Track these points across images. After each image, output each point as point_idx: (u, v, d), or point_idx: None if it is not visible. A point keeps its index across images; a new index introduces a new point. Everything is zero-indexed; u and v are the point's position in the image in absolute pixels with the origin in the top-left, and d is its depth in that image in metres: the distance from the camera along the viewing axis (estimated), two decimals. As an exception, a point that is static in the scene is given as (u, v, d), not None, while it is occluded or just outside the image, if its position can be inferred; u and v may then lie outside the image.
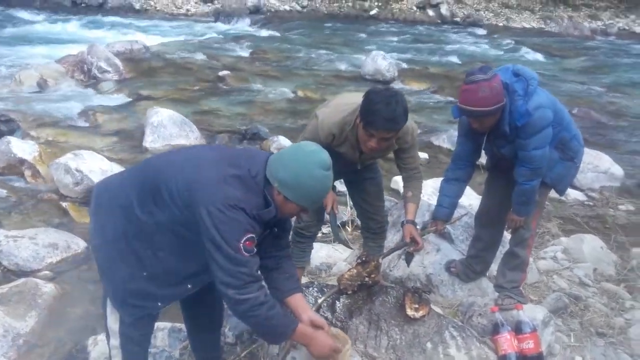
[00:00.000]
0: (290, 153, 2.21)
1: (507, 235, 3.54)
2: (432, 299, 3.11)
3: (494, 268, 3.53)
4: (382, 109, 2.62)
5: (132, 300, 2.33)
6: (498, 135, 2.86)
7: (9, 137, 5.51)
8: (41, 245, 4.02)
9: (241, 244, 2.07)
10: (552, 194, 5.19)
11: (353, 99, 2.89)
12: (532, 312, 3.04)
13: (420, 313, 2.84)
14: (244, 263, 2.10)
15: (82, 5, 15.52)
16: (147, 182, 2.23)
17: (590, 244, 4.16)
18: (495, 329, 2.89)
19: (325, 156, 2.19)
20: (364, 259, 2.99)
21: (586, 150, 4.96)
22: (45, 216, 4.63)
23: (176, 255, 2.24)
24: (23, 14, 13.64)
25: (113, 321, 2.40)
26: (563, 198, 5.37)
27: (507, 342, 2.82)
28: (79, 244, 4.17)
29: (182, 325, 3.17)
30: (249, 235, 2.09)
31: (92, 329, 3.30)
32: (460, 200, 3.29)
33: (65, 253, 4.06)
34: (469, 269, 3.45)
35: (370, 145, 2.75)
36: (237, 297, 2.10)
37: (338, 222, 4.61)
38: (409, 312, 2.83)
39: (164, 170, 2.26)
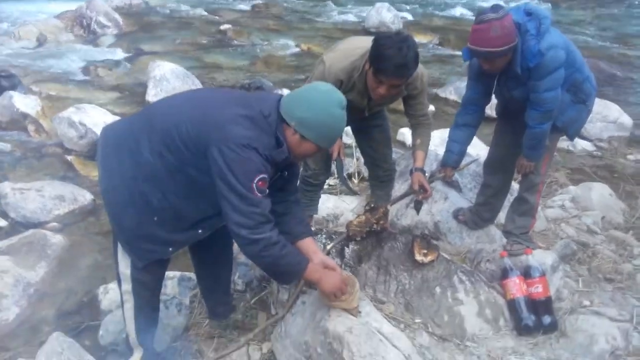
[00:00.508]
0: (306, 93, 2.17)
1: (515, 185, 3.53)
2: (440, 246, 3.10)
3: (502, 217, 3.51)
4: (394, 54, 2.54)
5: (143, 245, 2.33)
6: (509, 77, 2.80)
7: (11, 92, 5.44)
8: (48, 197, 4.01)
9: (254, 184, 2.06)
10: (561, 142, 5.23)
11: (361, 43, 2.81)
12: (540, 258, 3.05)
13: (429, 258, 2.85)
14: (257, 203, 2.08)
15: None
16: (156, 125, 2.19)
17: (598, 192, 4.13)
18: (504, 273, 2.89)
19: (341, 95, 2.18)
20: (372, 205, 2.98)
21: (595, 100, 4.91)
22: (51, 169, 4.61)
23: (187, 199, 2.23)
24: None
25: (125, 266, 2.41)
26: (571, 148, 5.35)
27: (515, 286, 2.83)
28: (86, 196, 4.16)
29: (192, 274, 3.20)
30: (262, 176, 2.08)
31: (102, 278, 3.34)
32: (468, 150, 3.25)
33: (72, 205, 4.06)
34: (477, 216, 3.44)
35: (379, 92, 2.70)
36: (251, 237, 2.10)
37: (344, 172, 4.62)
38: (418, 258, 2.83)
39: (173, 112, 2.22)
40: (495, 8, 2.64)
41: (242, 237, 2.11)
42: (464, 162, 3.29)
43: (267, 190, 2.13)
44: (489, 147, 3.41)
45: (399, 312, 2.76)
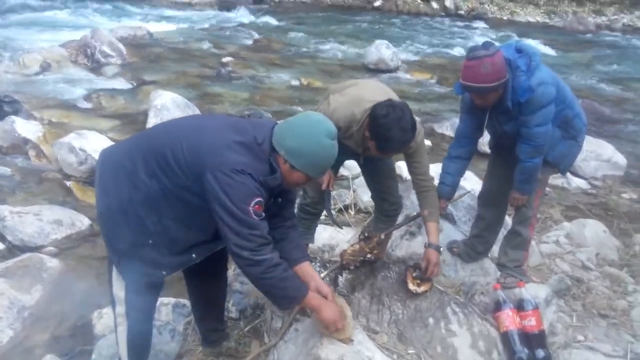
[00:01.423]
0: (297, 122, 2.22)
1: (509, 219, 3.57)
2: (433, 277, 3.12)
3: (495, 250, 3.54)
4: (397, 135, 2.61)
5: (137, 268, 2.34)
6: (500, 112, 2.87)
7: (13, 117, 5.52)
8: (46, 221, 4.04)
9: (250, 208, 2.09)
10: (556, 180, 5.29)
11: (370, 96, 2.82)
12: (534, 291, 3.06)
13: (422, 288, 2.86)
14: (256, 225, 2.12)
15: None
16: (152, 148, 2.24)
17: (592, 229, 4.17)
18: (497, 306, 2.90)
19: (331, 126, 2.22)
20: (366, 234, 3.01)
21: (589, 138, 4.99)
22: (50, 194, 4.64)
23: (181, 223, 2.26)
24: (29, 0, 13.58)
25: (119, 288, 2.42)
26: (566, 185, 5.40)
27: (509, 318, 2.83)
28: (83, 221, 4.19)
29: (186, 301, 3.20)
30: (257, 199, 2.12)
31: (96, 303, 3.31)
32: (462, 183, 3.30)
33: (70, 230, 4.08)
34: (471, 249, 3.46)
35: (376, 153, 2.79)
36: (253, 258, 2.12)
37: (340, 205, 4.66)
38: (411, 287, 2.85)
39: (169, 136, 2.27)
40: (486, 45, 2.74)
41: (244, 258, 2.13)
42: (457, 195, 3.34)
43: (264, 214, 2.16)
44: (482, 181, 3.46)
45: (392, 342, 2.75)
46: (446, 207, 3.25)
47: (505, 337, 2.81)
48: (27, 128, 5.43)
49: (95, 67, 8.37)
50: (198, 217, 2.23)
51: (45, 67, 7.96)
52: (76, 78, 7.75)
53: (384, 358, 2.46)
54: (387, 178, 3.33)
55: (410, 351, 2.72)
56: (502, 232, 3.47)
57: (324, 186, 3.07)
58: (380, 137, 2.65)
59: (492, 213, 3.37)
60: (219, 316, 2.95)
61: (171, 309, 3.21)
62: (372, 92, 2.87)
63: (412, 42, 12.39)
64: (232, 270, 3.40)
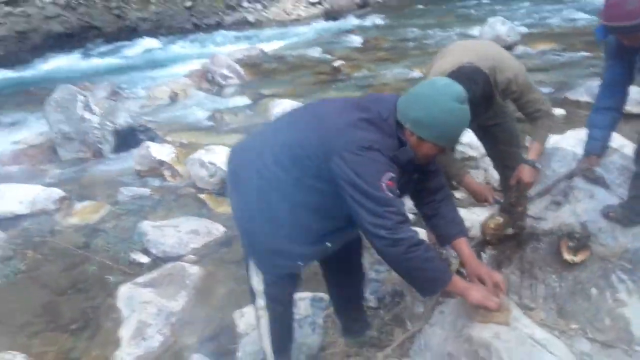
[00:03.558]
0: (421, 90, 2.07)
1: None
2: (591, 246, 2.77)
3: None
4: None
5: (273, 259, 2.31)
6: None
7: (148, 142, 5.87)
8: (184, 232, 4.21)
9: (383, 184, 1.95)
10: None
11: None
12: None
13: (580, 257, 2.56)
14: (391, 202, 1.97)
15: (203, 26, 16.41)
16: (279, 138, 2.20)
17: None
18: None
19: (459, 88, 2.03)
20: (511, 201, 2.74)
21: None
22: (186, 209, 4.84)
23: (314, 212, 2.18)
24: (151, 42, 14.65)
25: (257, 282, 2.41)
26: None
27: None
28: (219, 229, 4.32)
29: (323, 294, 3.15)
30: (390, 174, 1.97)
31: (237, 304, 3.37)
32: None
33: (207, 238, 4.22)
34: (632, 211, 3.03)
35: None
36: (393, 237, 1.96)
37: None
38: (567, 257, 2.56)
39: (294, 124, 2.23)
40: None
41: (382, 237, 1.97)
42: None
43: (398, 191, 2.02)
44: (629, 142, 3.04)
45: (551, 318, 2.48)
46: (598, 164, 2.86)
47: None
48: (161, 151, 5.75)
49: (217, 90, 8.76)
50: (331, 205, 2.14)
51: (173, 97, 8.47)
52: (201, 102, 8.14)
53: (545, 334, 2.19)
54: (509, 145, 3.05)
55: (573, 326, 2.42)
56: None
57: (490, 200, 2.83)
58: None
59: (652, 169, 2.93)
60: (358, 306, 2.86)
61: (309, 303, 3.18)
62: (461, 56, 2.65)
63: (528, 16, 11.64)
64: (367, 259, 3.30)
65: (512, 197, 2.71)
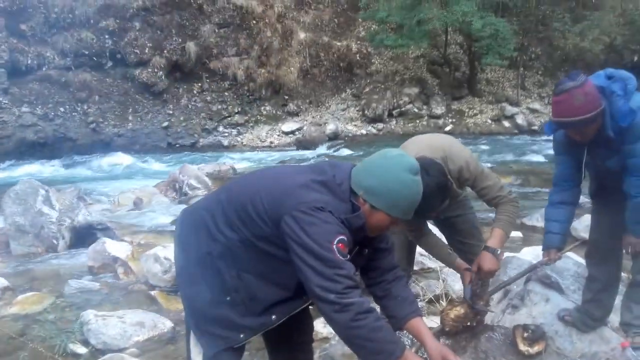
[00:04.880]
0: (374, 159, 2.12)
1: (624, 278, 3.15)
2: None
3: (615, 320, 3.08)
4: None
5: (214, 330, 2.18)
6: (601, 145, 2.61)
7: (104, 238, 5.74)
8: (128, 323, 3.98)
9: (334, 246, 1.91)
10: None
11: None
12: (673, 349, 2.57)
13: (536, 349, 2.50)
14: (341, 264, 1.92)
15: (177, 145, 16.83)
16: (232, 201, 2.17)
17: None
18: (630, 367, 2.44)
19: (412, 160, 2.08)
20: (472, 292, 2.69)
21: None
22: (135, 304, 4.62)
23: (261, 277, 2.11)
24: (124, 158, 14.87)
25: (196, 354, 2.25)
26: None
27: (647, 379, 2.36)
28: (166, 324, 4.09)
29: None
30: (341, 237, 1.94)
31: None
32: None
33: (153, 332, 3.99)
34: (587, 315, 3.02)
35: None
36: (341, 302, 1.88)
37: (430, 295, 4.32)
38: (522, 348, 2.49)
39: (248, 187, 2.22)
40: (573, 76, 2.52)
41: (330, 302, 1.90)
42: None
43: (348, 256, 1.98)
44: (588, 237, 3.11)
45: (507, 412, 2.34)
46: (558, 258, 2.87)
47: (648, 403, 2.32)
48: (116, 248, 5.60)
49: (183, 199, 8.76)
50: (278, 271, 2.08)
51: (137, 203, 8.43)
52: (165, 209, 8.12)
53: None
54: (468, 237, 3.10)
55: (530, 420, 2.29)
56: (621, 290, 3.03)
57: (466, 280, 2.78)
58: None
59: (605, 270, 2.95)
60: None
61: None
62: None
63: (489, 156, 12.34)
64: (317, 353, 3.14)
65: (475, 286, 2.68)
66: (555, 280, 3.40)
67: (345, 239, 1.97)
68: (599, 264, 2.97)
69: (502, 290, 3.39)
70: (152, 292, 4.81)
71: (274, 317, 2.19)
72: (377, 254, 2.25)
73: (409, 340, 2.58)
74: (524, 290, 3.37)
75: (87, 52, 16.54)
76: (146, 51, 17.07)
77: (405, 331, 2.24)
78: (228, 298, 2.14)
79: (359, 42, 19.45)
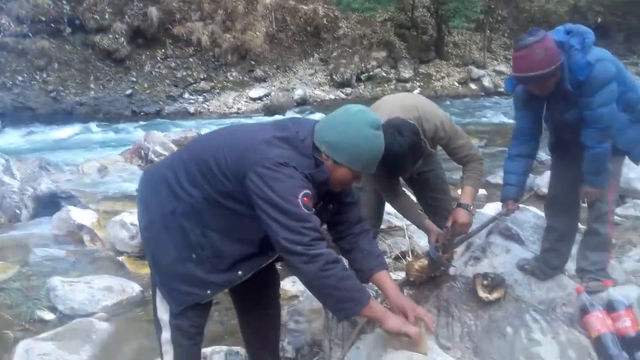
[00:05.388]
0: (336, 115, 2.13)
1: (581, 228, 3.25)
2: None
3: (571, 267, 3.19)
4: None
5: (180, 287, 2.20)
6: (559, 98, 2.66)
7: (69, 206, 5.65)
8: (96, 288, 3.97)
9: (299, 199, 1.93)
10: (627, 209, 4.90)
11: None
12: (624, 291, 2.68)
13: (495, 295, 2.56)
14: (307, 217, 1.94)
15: (141, 113, 16.48)
16: (194, 157, 2.16)
17: (680, 243, 3.75)
18: (584, 310, 2.53)
19: (373, 116, 2.10)
20: (438, 244, 2.76)
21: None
22: (102, 270, 4.59)
23: (225, 234, 2.12)
24: (89, 125, 14.51)
25: (163, 311, 2.27)
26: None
27: (599, 321, 2.45)
28: (134, 288, 4.10)
29: (240, 349, 2.99)
30: (305, 191, 1.96)
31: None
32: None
33: (120, 296, 3.99)
34: (545, 264, 3.12)
35: None
36: (309, 253, 1.91)
37: (397, 252, 4.41)
38: (482, 295, 2.55)
39: (211, 143, 2.21)
40: (533, 32, 2.54)
41: (298, 253, 1.93)
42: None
43: (314, 209, 2.00)
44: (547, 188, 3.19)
45: (467, 357, 2.42)
46: (516, 209, 2.94)
47: (599, 343, 2.42)
48: (82, 215, 5.52)
49: (149, 166, 8.66)
50: (243, 227, 2.10)
51: (101, 170, 8.31)
52: (130, 176, 7.98)
53: (458, 364, 2.14)
54: (438, 191, 3.15)
55: (489, 363, 2.38)
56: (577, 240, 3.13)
57: (432, 239, 2.84)
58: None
59: (563, 222, 3.04)
60: (273, 353, 2.71)
61: (224, 357, 3.00)
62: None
63: (456, 116, 12.42)
64: (286, 309, 3.19)
65: (447, 237, 2.75)
66: (516, 232, 3.50)
67: (310, 193, 1.99)
68: (557, 215, 3.06)
69: (465, 244, 3.47)
70: (120, 258, 4.80)
71: (240, 272, 2.21)
72: (343, 207, 2.28)
73: (374, 293, 2.62)
74: (485, 243, 3.47)
75: (44, 19, 15.92)
76: (106, 17, 16.53)
77: (371, 283, 2.28)
78: (193, 255, 2.16)
79: (325, 5, 19.17)
